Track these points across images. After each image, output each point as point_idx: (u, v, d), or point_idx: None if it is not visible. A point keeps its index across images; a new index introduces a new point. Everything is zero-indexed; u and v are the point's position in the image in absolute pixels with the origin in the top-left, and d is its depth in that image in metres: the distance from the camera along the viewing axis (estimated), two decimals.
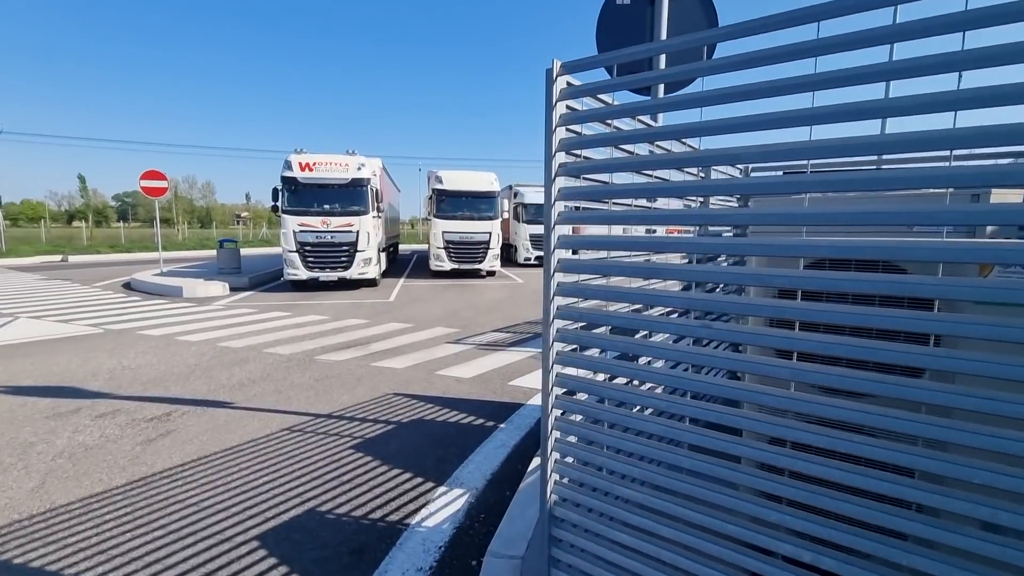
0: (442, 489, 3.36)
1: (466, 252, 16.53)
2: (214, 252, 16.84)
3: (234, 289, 13.44)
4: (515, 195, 22.51)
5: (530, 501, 2.89)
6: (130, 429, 4.34)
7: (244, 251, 21.05)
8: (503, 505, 3.03)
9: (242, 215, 71.56)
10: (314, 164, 13.14)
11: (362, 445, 4.01)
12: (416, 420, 4.53)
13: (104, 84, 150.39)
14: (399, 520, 3.01)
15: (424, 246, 37.59)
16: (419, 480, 3.47)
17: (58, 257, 24.72)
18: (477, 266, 16.68)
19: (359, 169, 13.41)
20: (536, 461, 3.37)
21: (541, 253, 18.98)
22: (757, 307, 1.55)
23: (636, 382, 2.13)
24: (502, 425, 4.40)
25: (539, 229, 21.41)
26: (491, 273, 17.51)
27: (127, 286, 14.25)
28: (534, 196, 22.21)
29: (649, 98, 2.75)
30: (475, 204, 16.79)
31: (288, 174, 13.04)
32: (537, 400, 5.03)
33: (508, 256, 21.81)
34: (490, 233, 16.63)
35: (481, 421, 4.51)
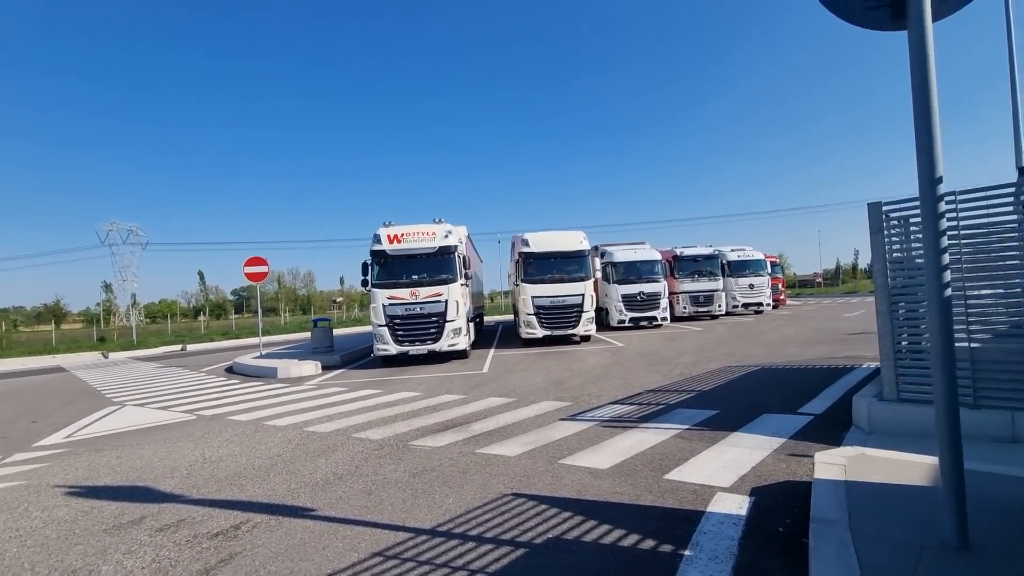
0: None
1: (558, 317, 15.32)
2: (310, 334, 17.02)
3: (326, 367, 13.11)
4: (602, 255, 21.32)
5: None
6: (188, 551, 3.37)
7: (337, 331, 21.38)
8: None
9: (337, 300, 76.47)
10: (402, 235, 12.93)
11: None
12: (553, 541, 3.16)
13: (216, 189, 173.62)
14: None
15: (507, 317, 36.97)
16: None
17: (179, 346, 26.77)
18: (571, 331, 15.36)
19: (446, 237, 13.01)
20: None
21: (636, 315, 17.34)
22: None
23: None
24: (686, 552, 2.91)
25: (632, 288, 19.94)
26: (586, 338, 16.09)
27: (229, 370, 14.47)
28: (623, 255, 20.95)
29: None
30: (565, 265, 15.78)
31: (377, 247, 12.89)
32: (725, 506, 3.47)
33: (599, 320, 20.28)
34: (583, 295, 15.38)
35: (650, 543, 3.05)
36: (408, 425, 6.52)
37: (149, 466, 5.48)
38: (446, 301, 12.65)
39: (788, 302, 35.05)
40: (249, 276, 15.44)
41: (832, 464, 3.42)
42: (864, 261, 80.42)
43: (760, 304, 26.05)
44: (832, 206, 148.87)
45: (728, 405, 6.41)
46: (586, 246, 15.98)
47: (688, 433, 5.30)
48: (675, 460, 4.48)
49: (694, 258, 24.02)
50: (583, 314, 15.35)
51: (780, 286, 31.75)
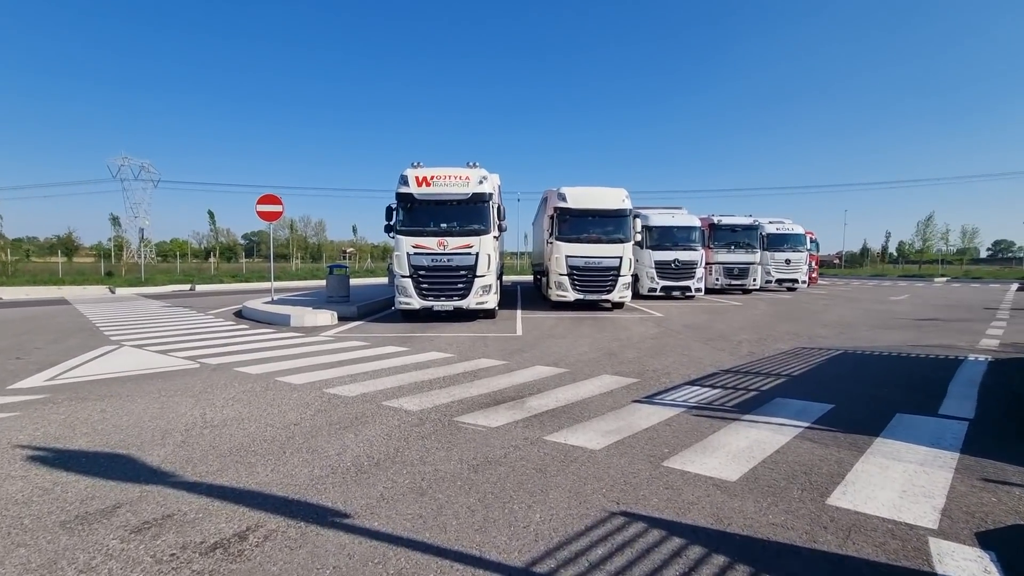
0: None
1: (593, 280, 14.10)
2: (324, 282, 15.99)
3: (343, 319, 12.09)
4: (635, 218, 19.81)
5: None
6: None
7: (351, 281, 20.40)
8: None
9: (347, 251, 75.37)
10: (432, 178, 11.59)
11: None
12: None
13: (233, 133, 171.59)
14: None
15: (522, 277, 35.71)
16: None
17: (187, 286, 26.00)
18: (605, 296, 14.16)
19: (480, 183, 11.65)
20: None
21: (669, 284, 16.01)
22: None
23: None
24: None
25: (666, 255, 18.60)
26: (618, 305, 14.88)
27: (239, 314, 13.51)
28: (659, 219, 19.49)
29: None
30: (603, 224, 14.43)
31: (403, 190, 11.59)
32: (960, 566, 2.33)
33: None
34: (620, 258, 14.10)
35: None
36: (449, 395, 5.44)
37: (137, 426, 4.46)
38: (477, 254, 11.44)
39: (819, 281, 33.54)
40: (262, 215, 14.24)
41: None
42: (893, 244, 77.60)
43: (795, 281, 24.63)
44: (860, 186, 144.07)
45: (839, 398, 5.25)
46: (628, 205, 14.57)
47: (814, 434, 4.16)
48: (825, 475, 3.35)
49: (732, 227, 22.48)
50: (620, 279, 14.12)
51: (814, 264, 30.17)
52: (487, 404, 5.09)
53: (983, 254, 67.95)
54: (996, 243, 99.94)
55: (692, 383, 5.94)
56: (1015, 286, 28.67)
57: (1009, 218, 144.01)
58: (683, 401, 5.15)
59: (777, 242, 24.44)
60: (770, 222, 25.14)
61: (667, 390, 5.60)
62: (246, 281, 28.73)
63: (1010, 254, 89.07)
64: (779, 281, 24.43)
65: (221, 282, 27.85)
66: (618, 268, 14.09)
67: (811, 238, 28.12)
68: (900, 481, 3.23)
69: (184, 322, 11.88)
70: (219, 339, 9.30)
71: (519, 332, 10.19)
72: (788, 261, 24.46)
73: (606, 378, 6.18)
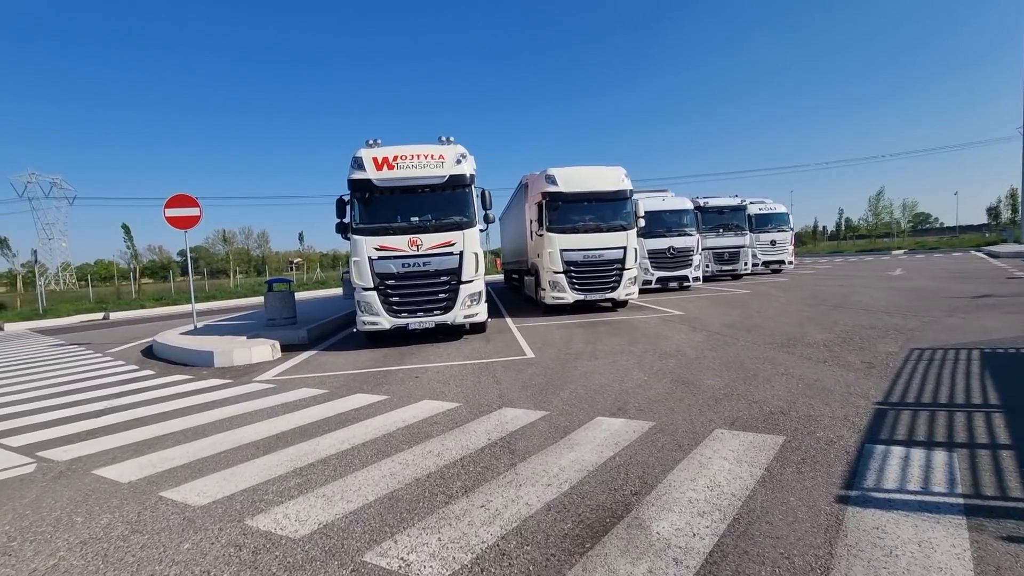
0: None
1: (595, 277, 11.78)
2: (264, 300, 12.91)
3: (287, 348, 9.20)
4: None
5: None
6: None
7: (299, 295, 17.24)
8: None
9: (294, 261, 70.19)
10: (395, 159, 8.88)
11: None
12: None
13: (155, 144, 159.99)
14: None
15: (488, 277, 32.65)
16: None
17: (100, 315, 21.92)
18: (609, 295, 11.87)
19: (459, 163, 9.05)
20: None
21: (665, 274, 13.69)
22: None
23: None
24: None
25: (660, 243, 16.60)
26: (621, 304, 12.62)
27: (148, 352, 10.32)
28: (649, 203, 17.38)
29: None
30: (601, 210, 12.12)
31: (358, 176, 8.83)
32: None
33: None
34: (624, 248, 11.86)
35: None
36: (488, 513, 2.88)
37: None
38: (461, 253, 8.84)
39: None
40: (172, 221, 11.05)
41: None
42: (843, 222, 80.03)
43: (782, 262, 23.36)
44: (800, 167, 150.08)
45: None
46: (628, 185, 12.31)
47: None
48: None
49: (719, 209, 20.79)
50: (625, 273, 11.86)
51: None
52: (576, 540, 2.58)
53: (903, 226, 70.66)
54: (915, 215, 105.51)
55: (877, 439, 3.63)
56: (980, 254, 28.73)
57: (919, 193, 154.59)
58: (929, 498, 2.81)
59: (762, 223, 23.06)
60: (752, 202, 23.72)
61: (861, 463, 3.26)
62: (173, 304, 24.74)
63: (927, 225, 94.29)
64: (766, 263, 23.12)
65: (142, 307, 23.79)
66: (622, 260, 11.84)
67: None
68: None
69: (61, 372, 8.63)
70: (97, 402, 6.28)
71: (529, 353, 7.69)
72: (774, 242, 23.15)
73: (728, 437, 3.78)
